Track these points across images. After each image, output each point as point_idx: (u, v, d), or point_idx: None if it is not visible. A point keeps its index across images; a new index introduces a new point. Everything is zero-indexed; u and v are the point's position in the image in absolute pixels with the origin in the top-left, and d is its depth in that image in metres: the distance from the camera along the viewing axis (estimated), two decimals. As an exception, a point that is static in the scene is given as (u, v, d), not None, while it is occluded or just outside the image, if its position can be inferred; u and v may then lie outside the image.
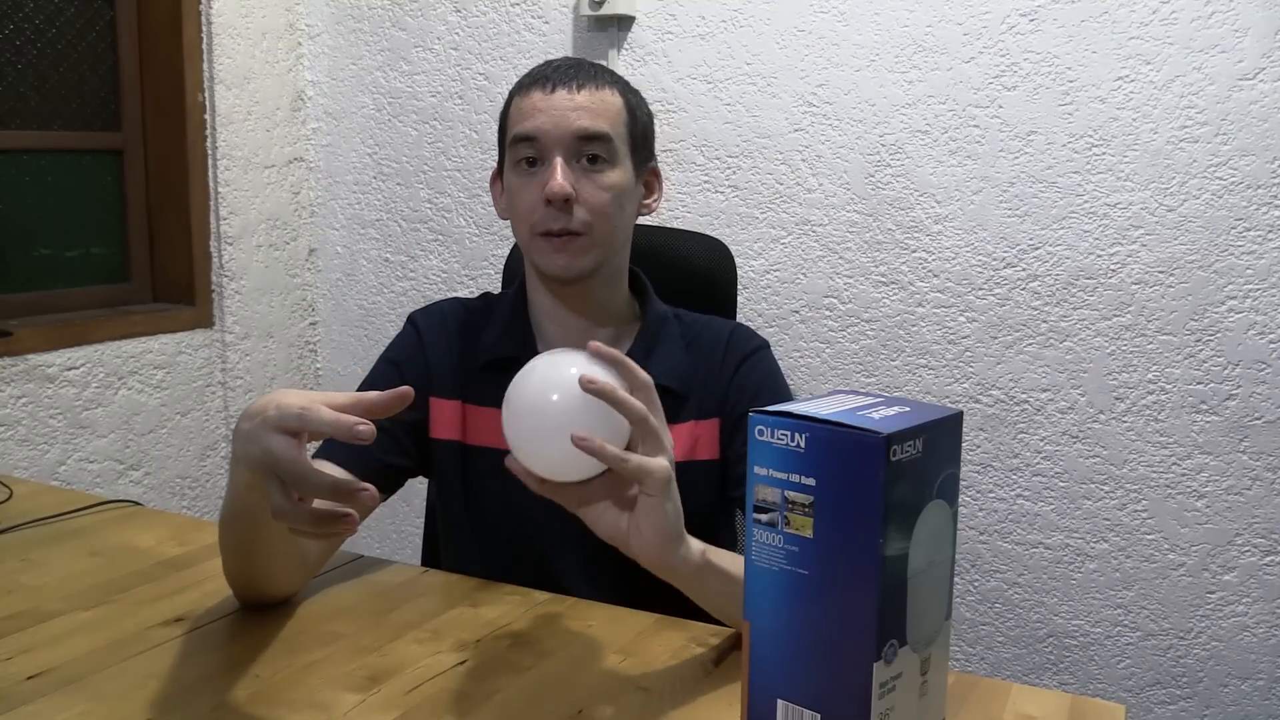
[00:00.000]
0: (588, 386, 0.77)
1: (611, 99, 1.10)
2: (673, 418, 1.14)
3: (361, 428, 0.73)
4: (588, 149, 1.07)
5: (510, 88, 1.14)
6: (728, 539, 1.24)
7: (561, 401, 0.79)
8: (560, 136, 1.06)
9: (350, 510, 0.73)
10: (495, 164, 1.18)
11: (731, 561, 0.91)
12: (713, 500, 1.15)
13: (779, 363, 1.21)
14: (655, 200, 1.18)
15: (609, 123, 1.08)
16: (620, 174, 1.10)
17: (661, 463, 0.80)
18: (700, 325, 1.19)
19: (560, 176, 1.05)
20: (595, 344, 0.81)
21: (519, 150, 1.08)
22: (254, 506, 0.86)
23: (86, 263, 2.27)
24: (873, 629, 0.65)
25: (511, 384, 0.82)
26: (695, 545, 0.88)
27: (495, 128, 2.24)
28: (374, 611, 1.01)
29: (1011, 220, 1.93)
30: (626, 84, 1.13)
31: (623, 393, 0.79)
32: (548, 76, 1.09)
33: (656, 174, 1.18)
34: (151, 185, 2.35)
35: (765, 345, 1.20)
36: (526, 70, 1.13)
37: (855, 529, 0.65)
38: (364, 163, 2.53)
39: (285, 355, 2.54)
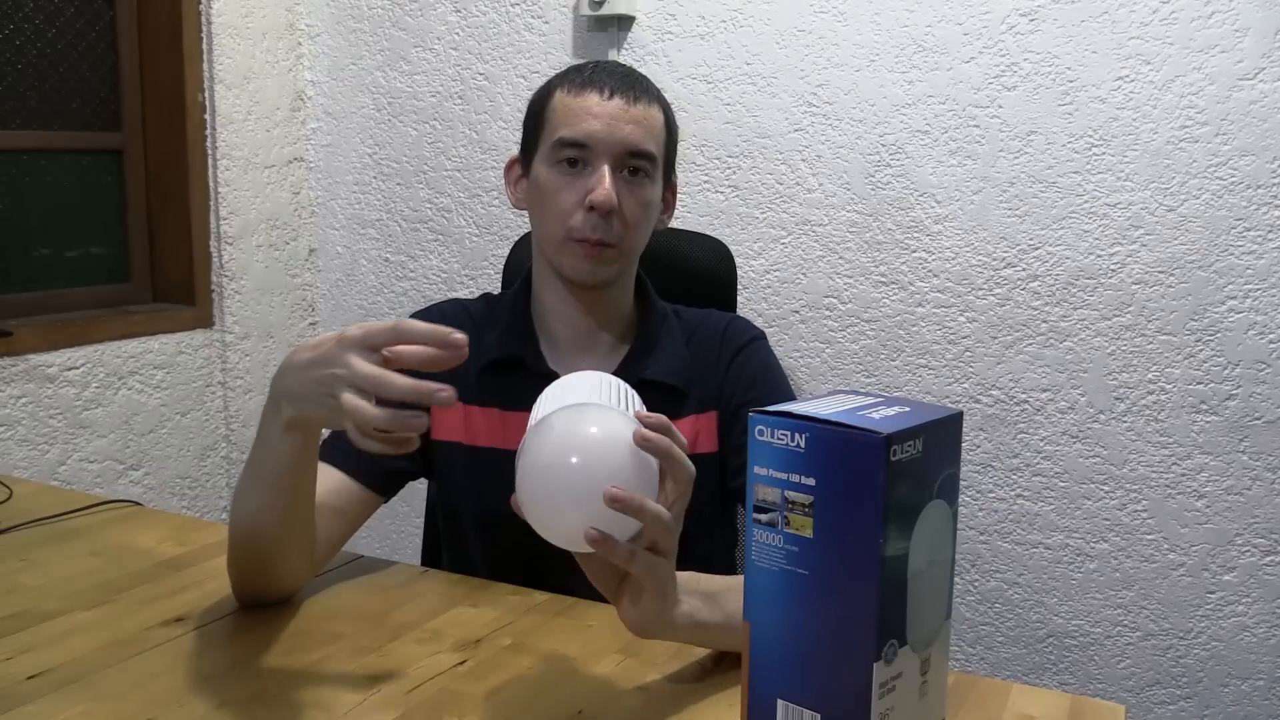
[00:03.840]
0: (644, 444, 0.73)
1: (658, 117, 1.11)
2: (674, 413, 1.14)
3: (457, 336, 0.74)
4: (632, 162, 1.08)
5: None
6: (727, 536, 1.24)
7: (589, 461, 0.72)
8: (611, 146, 1.07)
9: (422, 415, 0.74)
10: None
11: (724, 615, 0.86)
12: (712, 494, 1.15)
13: (779, 360, 1.21)
14: (668, 217, 1.19)
15: (655, 142, 1.10)
16: (655, 190, 1.12)
17: (664, 567, 0.77)
18: (699, 320, 1.20)
19: (608, 186, 1.06)
20: (641, 433, 0.74)
21: (563, 150, 1.08)
22: (287, 457, 0.88)
23: (86, 263, 2.27)
24: (873, 629, 0.65)
25: (527, 438, 0.75)
26: (684, 609, 0.83)
27: (495, 128, 2.21)
28: (374, 611, 1.01)
29: (1011, 220, 1.93)
30: (667, 101, 1.14)
31: (677, 449, 0.75)
32: (604, 81, 1.08)
33: (674, 192, 1.19)
34: (151, 185, 2.35)
35: (760, 336, 1.20)
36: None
37: (855, 529, 0.65)
38: (364, 163, 2.53)
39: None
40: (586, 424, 0.73)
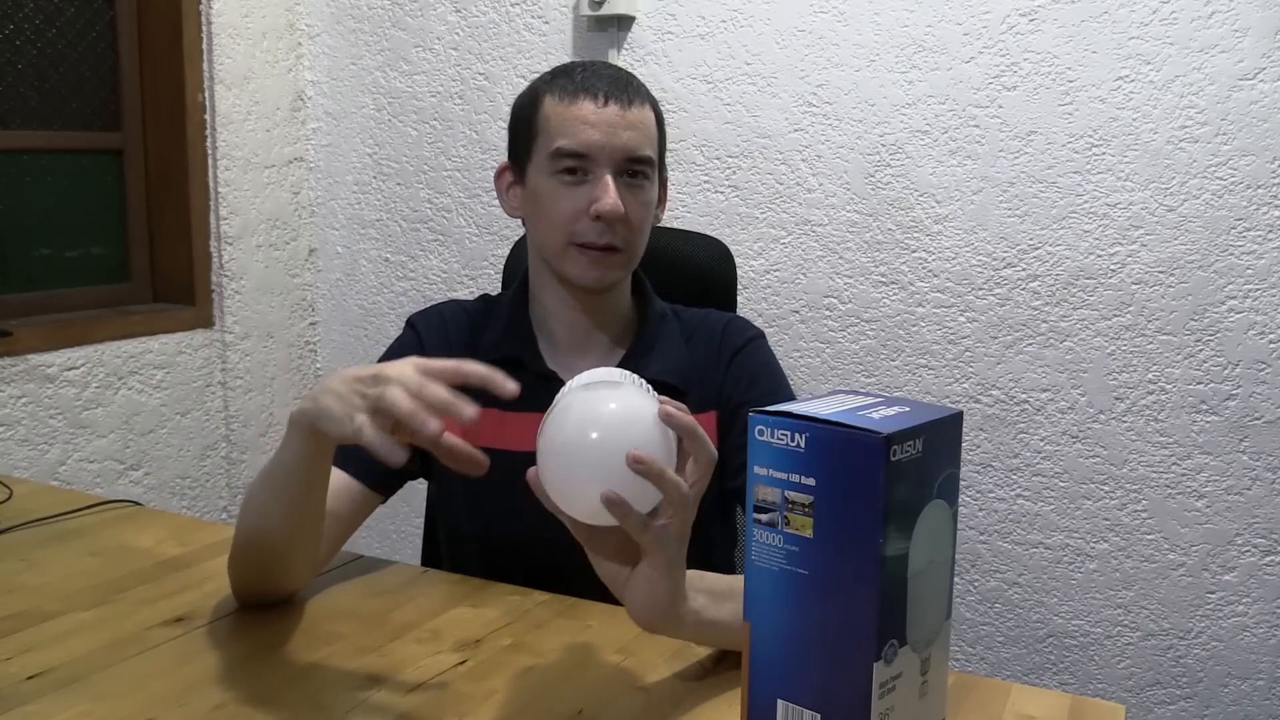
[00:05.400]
0: (669, 419, 0.74)
1: (650, 117, 1.11)
2: None
3: (511, 386, 0.79)
4: (632, 167, 1.08)
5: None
6: (726, 536, 1.24)
7: (616, 430, 0.73)
8: (612, 154, 1.07)
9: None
10: (498, 161, 1.18)
11: (731, 611, 0.85)
12: (712, 494, 1.15)
13: (779, 360, 1.21)
14: (662, 210, 1.20)
15: (651, 145, 1.10)
16: (654, 191, 1.13)
17: (672, 542, 0.77)
18: (698, 319, 1.20)
19: (614, 195, 1.06)
20: (665, 409, 0.74)
21: (562, 160, 1.07)
22: (306, 468, 0.90)
23: (86, 263, 2.27)
24: (873, 629, 0.65)
25: (548, 417, 0.76)
26: (691, 605, 0.83)
27: (495, 128, 2.21)
28: (374, 611, 1.01)
29: (1011, 220, 1.93)
30: (653, 96, 1.14)
31: (701, 431, 0.76)
32: (597, 87, 1.07)
33: (665, 184, 1.19)
34: (151, 185, 2.35)
35: (759, 335, 1.20)
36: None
37: (855, 529, 0.65)
38: (364, 163, 2.53)
39: (285, 355, 2.54)
40: (608, 401, 0.74)
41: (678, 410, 0.74)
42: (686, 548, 0.80)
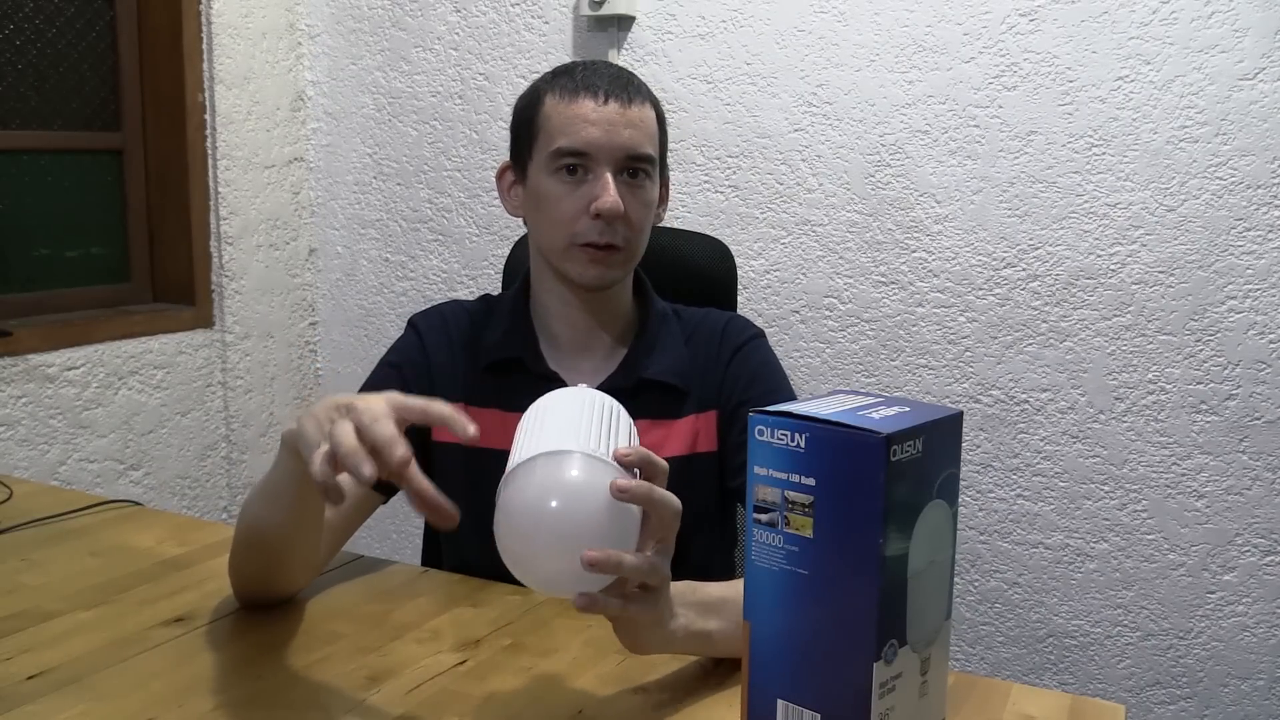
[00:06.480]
0: (621, 495, 0.70)
1: (651, 116, 1.11)
2: (674, 413, 1.14)
3: (472, 431, 0.75)
4: (633, 165, 1.08)
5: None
6: (726, 536, 1.24)
7: (564, 515, 0.70)
8: (612, 152, 1.07)
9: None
10: (498, 161, 1.18)
11: (720, 620, 0.85)
12: (712, 494, 1.15)
13: (779, 360, 1.21)
14: (663, 210, 1.20)
15: (652, 143, 1.10)
16: (655, 189, 1.12)
17: (657, 604, 0.77)
18: (698, 319, 1.20)
19: (614, 193, 1.06)
20: (617, 485, 0.71)
21: (563, 159, 1.07)
22: (297, 485, 0.88)
23: (86, 263, 2.27)
24: (873, 629, 0.65)
25: (505, 480, 0.73)
26: (679, 624, 0.83)
27: (495, 128, 2.21)
28: (374, 611, 1.01)
29: (1011, 220, 1.93)
30: (655, 95, 1.14)
31: (658, 492, 0.73)
32: (596, 85, 1.07)
33: (667, 184, 1.19)
34: (151, 185, 2.35)
35: (759, 334, 1.20)
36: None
37: (855, 529, 0.65)
38: (364, 163, 2.53)
39: (285, 355, 2.54)
40: (557, 483, 0.71)
41: (630, 484, 0.71)
42: (669, 584, 0.79)
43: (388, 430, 0.73)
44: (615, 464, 0.72)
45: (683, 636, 0.83)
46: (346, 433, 0.73)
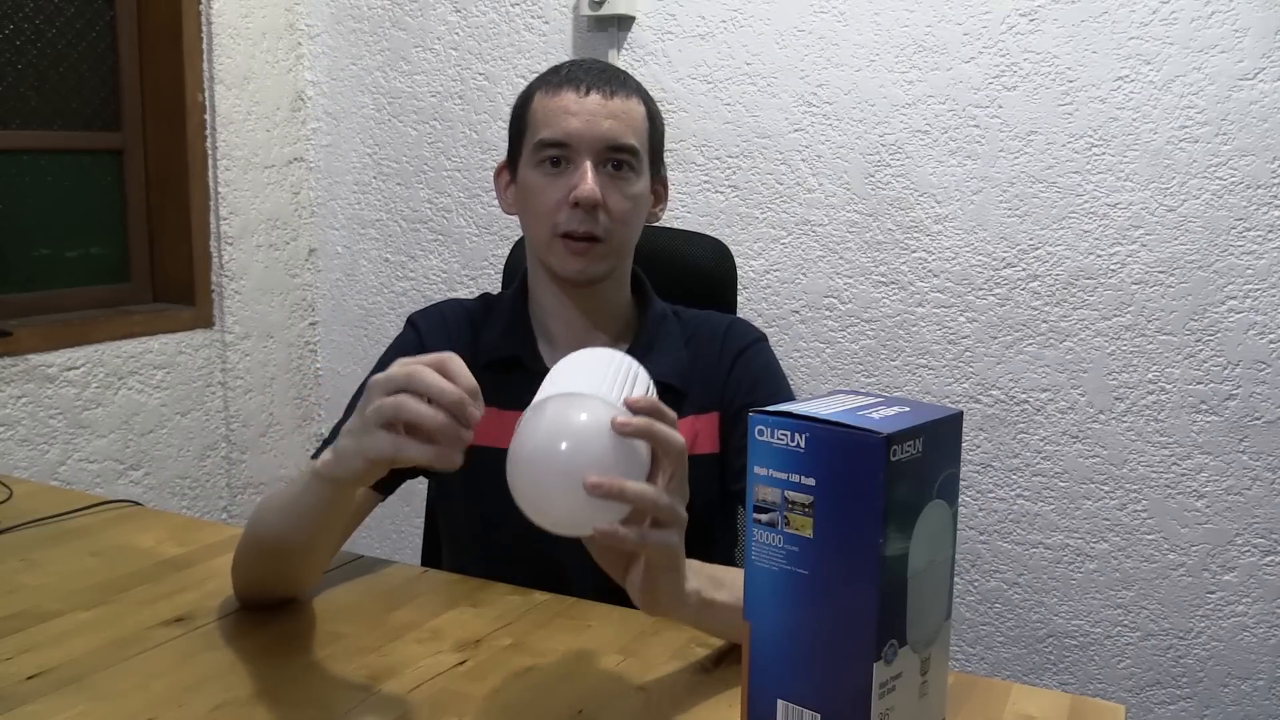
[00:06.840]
0: (622, 429, 0.72)
1: (638, 109, 1.11)
2: None
3: (473, 411, 0.77)
4: (614, 156, 1.08)
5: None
6: (727, 537, 1.24)
7: (571, 450, 0.72)
8: (591, 142, 1.07)
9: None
10: (498, 161, 1.18)
11: (730, 594, 0.86)
12: (712, 495, 1.15)
13: (779, 361, 1.21)
14: (661, 209, 1.19)
15: (636, 135, 1.10)
16: (641, 183, 1.12)
17: (672, 540, 0.77)
18: (699, 320, 1.20)
19: (591, 181, 1.06)
20: (618, 417, 0.73)
21: (545, 151, 1.08)
22: (329, 511, 0.89)
23: (86, 263, 2.27)
24: (873, 629, 0.65)
25: (516, 431, 0.75)
26: (692, 587, 0.84)
27: (495, 128, 2.21)
28: (374, 611, 1.01)
29: (1011, 220, 1.93)
30: (647, 93, 1.14)
31: (660, 426, 0.75)
32: (579, 78, 1.08)
33: (664, 184, 1.19)
34: (151, 185, 2.35)
35: (762, 338, 1.20)
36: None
37: (855, 529, 0.65)
38: (364, 163, 2.53)
39: (285, 355, 2.54)
40: (570, 413, 0.73)
41: (632, 419, 0.73)
42: (684, 536, 0.80)
43: (452, 389, 0.76)
44: (623, 408, 0.74)
45: (695, 603, 0.84)
46: (422, 408, 0.76)
